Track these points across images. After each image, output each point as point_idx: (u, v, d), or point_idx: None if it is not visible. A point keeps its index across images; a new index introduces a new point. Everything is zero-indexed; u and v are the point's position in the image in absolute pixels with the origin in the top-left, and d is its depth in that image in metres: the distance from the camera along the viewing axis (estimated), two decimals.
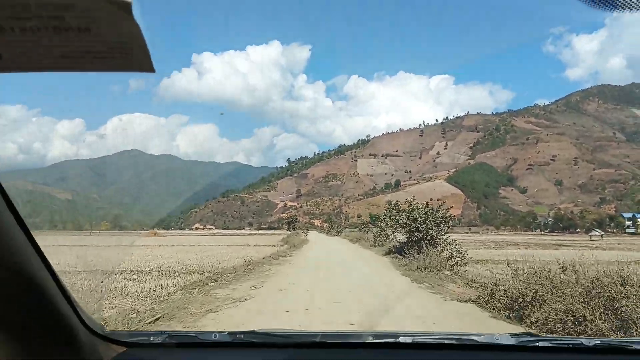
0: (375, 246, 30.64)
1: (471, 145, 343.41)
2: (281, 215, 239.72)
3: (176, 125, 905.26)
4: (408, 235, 20.78)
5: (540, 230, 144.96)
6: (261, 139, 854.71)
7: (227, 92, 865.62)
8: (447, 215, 20.28)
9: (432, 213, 19.88)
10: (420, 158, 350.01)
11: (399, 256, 20.40)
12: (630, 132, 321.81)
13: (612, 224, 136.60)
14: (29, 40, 0.71)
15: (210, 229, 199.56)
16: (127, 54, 0.73)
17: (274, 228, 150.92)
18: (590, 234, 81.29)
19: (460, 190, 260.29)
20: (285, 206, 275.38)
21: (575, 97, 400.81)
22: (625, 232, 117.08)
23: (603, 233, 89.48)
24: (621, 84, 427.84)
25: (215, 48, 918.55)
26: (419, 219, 19.71)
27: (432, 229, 19.22)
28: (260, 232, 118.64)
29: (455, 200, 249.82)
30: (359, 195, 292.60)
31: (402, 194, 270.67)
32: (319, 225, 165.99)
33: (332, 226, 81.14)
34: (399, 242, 23.41)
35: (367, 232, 46.78)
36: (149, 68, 0.75)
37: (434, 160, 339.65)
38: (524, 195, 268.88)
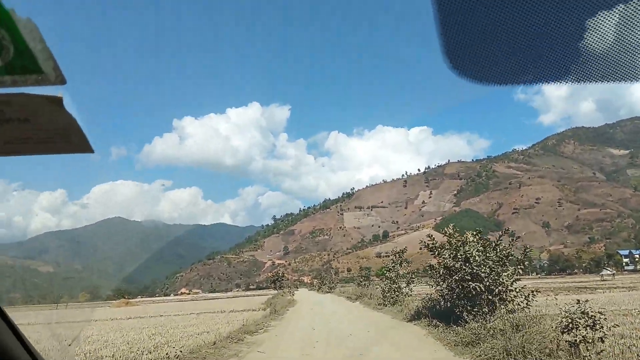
0: (385, 305, 23.29)
1: (455, 192, 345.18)
2: (269, 274, 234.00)
3: (160, 190, 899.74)
4: (457, 286, 12.98)
5: (537, 274, 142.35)
6: (246, 199, 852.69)
7: (210, 154, 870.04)
8: (509, 252, 12.96)
9: (492, 247, 12.89)
10: (406, 208, 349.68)
11: (439, 323, 12.93)
12: (609, 172, 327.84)
13: (610, 262, 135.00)
14: None
15: (196, 293, 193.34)
16: (66, 138, 0.81)
17: (262, 288, 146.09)
18: (601, 273, 79.45)
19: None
20: (273, 264, 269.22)
21: (552, 141, 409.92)
22: (625, 270, 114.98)
23: (614, 272, 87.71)
24: (594, 125, 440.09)
25: (195, 112, 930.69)
26: (476, 256, 12.28)
27: (500, 275, 12.18)
28: (247, 293, 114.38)
29: None
30: (347, 249, 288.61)
31: (390, 244, 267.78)
32: (309, 282, 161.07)
33: (322, 282, 75.35)
34: (434, 298, 16.37)
35: (367, 287, 40.04)
36: (88, 149, 0.84)
37: (420, 210, 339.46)
38: (511, 239, 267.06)
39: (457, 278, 12.34)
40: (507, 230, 13.43)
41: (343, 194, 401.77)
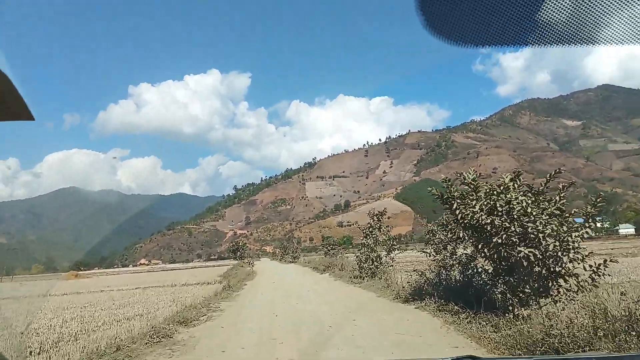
0: (362, 279, 19.53)
1: (415, 162, 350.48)
2: (230, 244, 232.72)
3: (116, 160, 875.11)
4: (494, 253, 8.41)
5: None
6: (206, 169, 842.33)
7: (168, 122, 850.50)
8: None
9: (544, 196, 8.43)
10: (367, 178, 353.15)
11: (458, 309, 9.10)
12: (562, 142, 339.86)
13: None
14: None
15: (156, 263, 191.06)
16: (2, 104, 0.76)
17: (224, 258, 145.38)
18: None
19: (409, 207, 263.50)
20: (235, 235, 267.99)
21: (508, 112, 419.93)
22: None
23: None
24: (549, 96, 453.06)
25: (152, 79, 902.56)
26: (528, 208, 7.93)
27: (566, 237, 7.95)
28: (207, 264, 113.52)
29: (406, 217, 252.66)
30: (309, 219, 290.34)
31: (352, 214, 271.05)
32: (271, 251, 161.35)
33: (285, 251, 72.71)
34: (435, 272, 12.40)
35: (335, 256, 36.36)
36: (28, 116, 0.79)
37: (381, 179, 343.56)
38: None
39: (499, 241, 7.85)
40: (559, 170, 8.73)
41: (305, 163, 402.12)
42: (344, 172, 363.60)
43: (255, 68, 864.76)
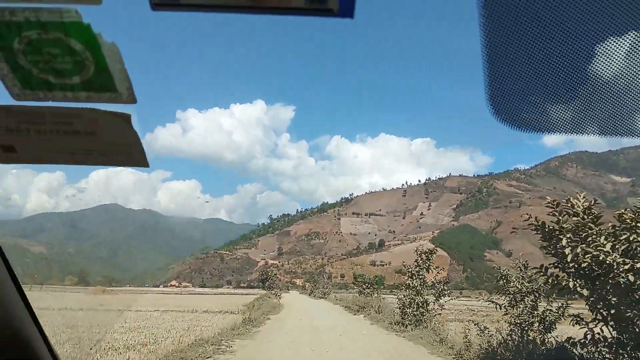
0: (405, 326, 17.08)
1: (454, 206, 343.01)
2: (260, 273, 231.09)
3: (158, 181, 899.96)
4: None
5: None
6: (244, 196, 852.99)
7: (211, 148, 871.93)
8: None
9: None
10: (403, 218, 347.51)
11: None
12: (610, 198, 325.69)
13: None
14: (42, 139, 0.83)
15: (186, 286, 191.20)
16: (127, 153, 0.86)
17: (253, 287, 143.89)
18: None
19: (446, 252, 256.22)
20: (266, 264, 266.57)
21: (554, 162, 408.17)
22: None
23: None
24: (597, 150, 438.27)
25: (199, 105, 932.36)
26: None
27: None
28: (236, 291, 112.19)
29: (441, 262, 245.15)
30: (342, 255, 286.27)
31: (386, 254, 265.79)
32: (301, 284, 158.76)
33: (315, 286, 69.54)
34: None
35: (371, 296, 33.47)
36: (144, 164, 0.89)
37: (418, 221, 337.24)
38: (509, 259, 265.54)
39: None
40: None
41: (341, 198, 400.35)
42: (380, 210, 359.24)
43: (299, 101, 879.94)
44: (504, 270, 10.94)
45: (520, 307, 10.17)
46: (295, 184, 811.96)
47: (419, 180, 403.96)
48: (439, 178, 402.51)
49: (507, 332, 10.20)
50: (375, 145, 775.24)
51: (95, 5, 0.67)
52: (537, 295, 10.06)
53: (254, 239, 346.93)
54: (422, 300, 17.34)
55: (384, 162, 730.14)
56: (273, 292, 47.93)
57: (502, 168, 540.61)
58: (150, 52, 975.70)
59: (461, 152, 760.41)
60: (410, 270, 18.46)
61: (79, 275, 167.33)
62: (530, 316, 9.85)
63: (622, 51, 1.19)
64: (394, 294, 29.27)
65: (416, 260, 18.27)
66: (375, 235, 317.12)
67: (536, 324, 9.59)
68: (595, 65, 1.25)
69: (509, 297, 10.59)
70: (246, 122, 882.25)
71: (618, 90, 1.30)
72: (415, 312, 17.23)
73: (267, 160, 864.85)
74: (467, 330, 11.52)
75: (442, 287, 17.85)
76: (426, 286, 17.82)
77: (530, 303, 10.02)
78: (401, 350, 12.40)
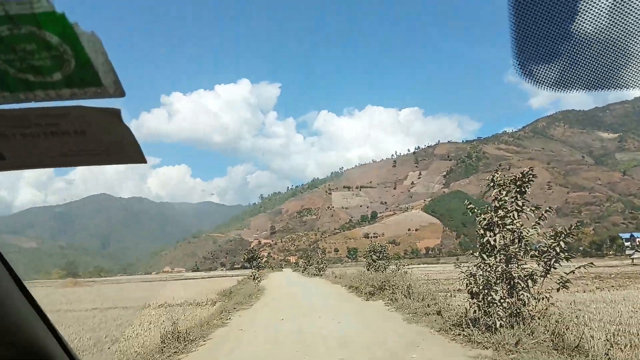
0: (494, 330, 8.20)
1: (444, 173, 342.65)
2: (246, 252, 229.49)
3: (147, 168, 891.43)
4: None
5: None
6: (234, 178, 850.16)
7: (199, 131, 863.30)
8: None
9: None
10: (394, 188, 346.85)
11: None
12: (598, 155, 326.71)
13: (613, 246, 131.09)
14: (29, 143, 0.77)
15: (179, 271, 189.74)
16: (120, 150, 0.82)
17: (246, 268, 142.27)
18: (632, 256, 73.91)
19: (438, 219, 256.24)
20: (259, 244, 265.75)
21: (542, 123, 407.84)
22: (625, 254, 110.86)
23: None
24: (584, 108, 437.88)
25: (184, 88, 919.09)
26: None
27: None
28: (228, 273, 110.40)
29: (434, 229, 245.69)
30: (335, 229, 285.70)
31: (379, 225, 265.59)
32: (295, 261, 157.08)
33: (309, 262, 62.27)
34: None
35: (384, 270, 26.03)
36: (141, 160, 0.85)
37: (409, 190, 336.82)
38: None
39: None
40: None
41: (331, 173, 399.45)
42: (371, 182, 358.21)
43: (285, 78, 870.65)
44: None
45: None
46: (285, 161, 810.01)
47: (408, 150, 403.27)
48: (428, 146, 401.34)
49: None
50: (363, 117, 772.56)
51: None
52: None
53: (246, 219, 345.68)
54: (523, 274, 8.71)
55: (373, 134, 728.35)
56: (253, 273, 40.21)
57: (491, 132, 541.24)
58: (130, 36, 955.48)
59: (449, 119, 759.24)
60: (493, 201, 9.68)
61: (68, 268, 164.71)
62: None
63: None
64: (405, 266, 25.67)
65: (496, 198, 9.57)
66: (367, 207, 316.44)
67: None
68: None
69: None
70: (232, 102, 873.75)
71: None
72: (511, 301, 8.68)
73: (255, 140, 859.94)
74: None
75: (562, 238, 8.80)
76: (527, 245, 9.23)
77: None
78: None
